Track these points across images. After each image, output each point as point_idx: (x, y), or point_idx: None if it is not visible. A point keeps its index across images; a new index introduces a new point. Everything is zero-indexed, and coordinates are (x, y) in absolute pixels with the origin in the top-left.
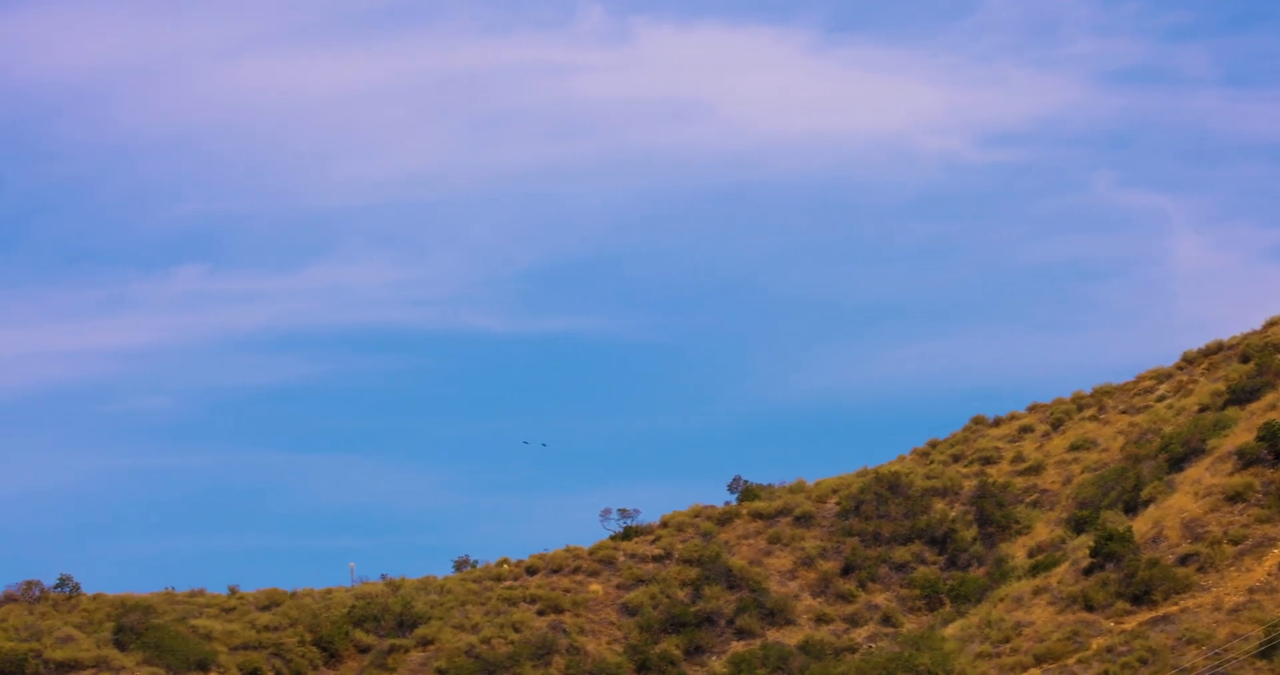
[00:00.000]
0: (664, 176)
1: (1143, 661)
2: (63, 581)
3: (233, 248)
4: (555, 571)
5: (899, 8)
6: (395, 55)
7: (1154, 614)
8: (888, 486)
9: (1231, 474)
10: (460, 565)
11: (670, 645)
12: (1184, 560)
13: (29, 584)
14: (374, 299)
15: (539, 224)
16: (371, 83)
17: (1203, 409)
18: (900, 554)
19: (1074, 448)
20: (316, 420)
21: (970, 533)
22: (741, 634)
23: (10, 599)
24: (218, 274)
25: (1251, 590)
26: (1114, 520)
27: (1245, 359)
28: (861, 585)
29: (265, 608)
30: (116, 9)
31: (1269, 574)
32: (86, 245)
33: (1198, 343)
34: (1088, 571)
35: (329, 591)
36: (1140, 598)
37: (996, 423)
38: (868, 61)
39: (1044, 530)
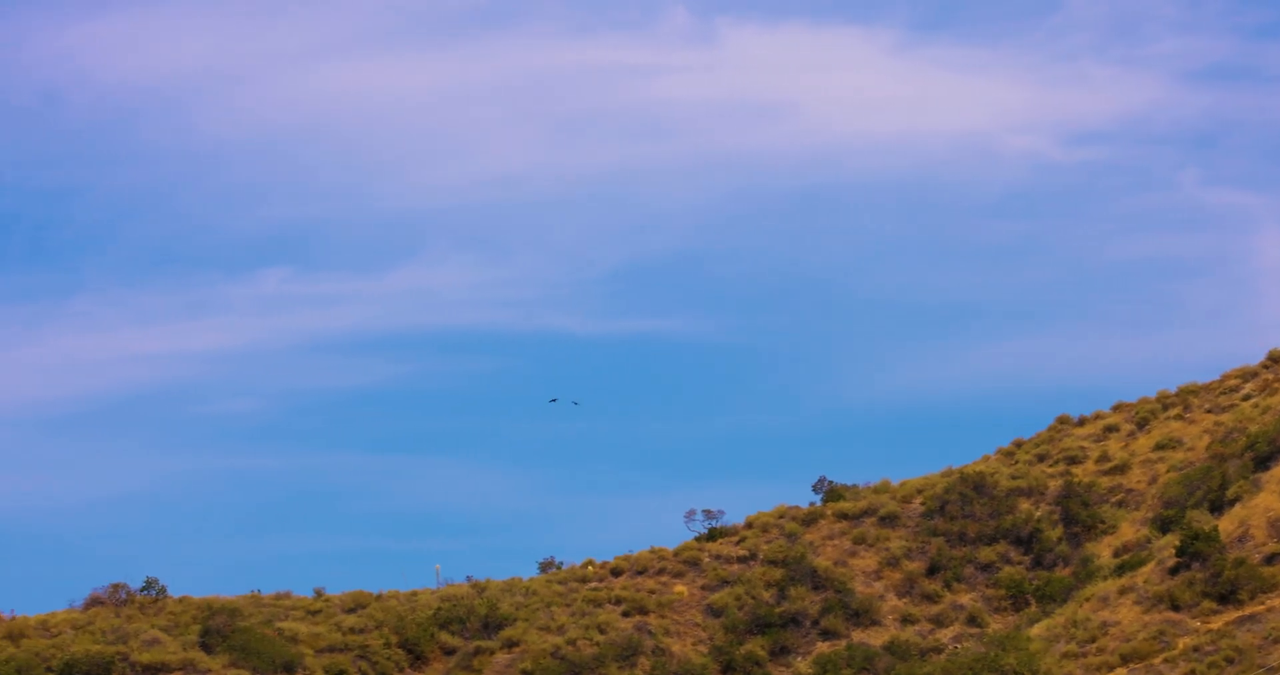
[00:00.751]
0: (748, 177)
1: (1229, 661)
2: (149, 584)
3: (318, 251)
4: (640, 573)
5: (983, 7)
6: (479, 58)
7: (1240, 613)
8: (973, 486)
9: None
10: (545, 567)
11: (755, 646)
12: (1270, 559)
13: (115, 587)
14: (459, 301)
15: (623, 225)
16: (456, 85)
17: None
18: (985, 554)
19: (1159, 447)
20: (402, 422)
21: (1055, 532)
22: (826, 635)
23: (97, 602)
24: (303, 277)
25: None
26: (1199, 519)
27: None
28: (947, 585)
29: (351, 610)
30: (201, 13)
31: None
32: (172, 249)
33: None
34: (1173, 571)
35: (414, 594)
36: (1226, 597)
37: (1081, 422)
38: (952, 61)
39: (1129, 530)
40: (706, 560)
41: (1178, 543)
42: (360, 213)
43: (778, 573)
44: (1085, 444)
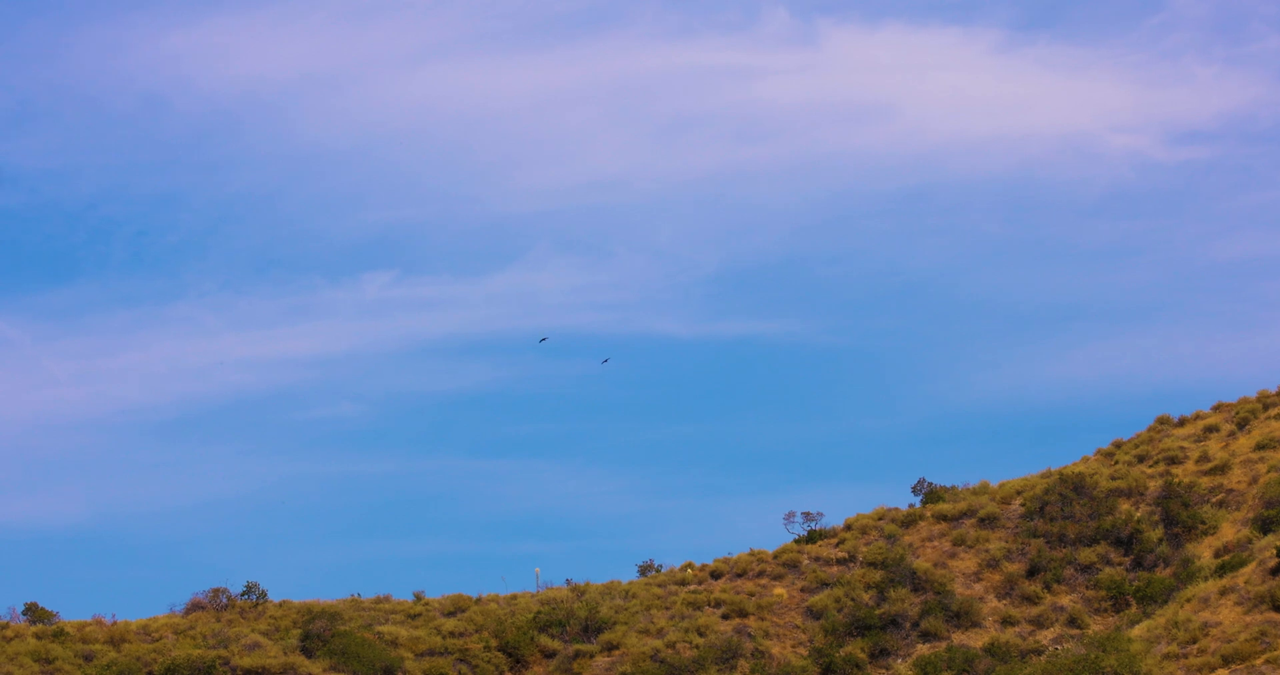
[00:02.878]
0: (849, 178)
1: None
2: (249, 589)
3: (420, 254)
4: (740, 575)
5: (1085, 6)
6: (580, 60)
7: None
8: (1072, 487)
9: None
10: (645, 569)
11: (855, 648)
12: None
13: (216, 591)
14: (560, 304)
15: (724, 227)
16: (557, 88)
17: None
18: (1085, 555)
19: (1260, 447)
20: (503, 425)
21: (1156, 533)
22: (926, 637)
23: (198, 606)
24: (405, 281)
25: None
26: None
27: None
28: (1047, 587)
29: (451, 613)
30: (301, 18)
31: None
32: (275, 254)
33: None
34: (1275, 571)
35: (514, 597)
36: None
37: (1181, 422)
38: (1053, 61)
39: (1230, 530)
40: (806, 562)
41: (1279, 543)
42: (462, 216)
43: (877, 575)
44: (1185, 444)
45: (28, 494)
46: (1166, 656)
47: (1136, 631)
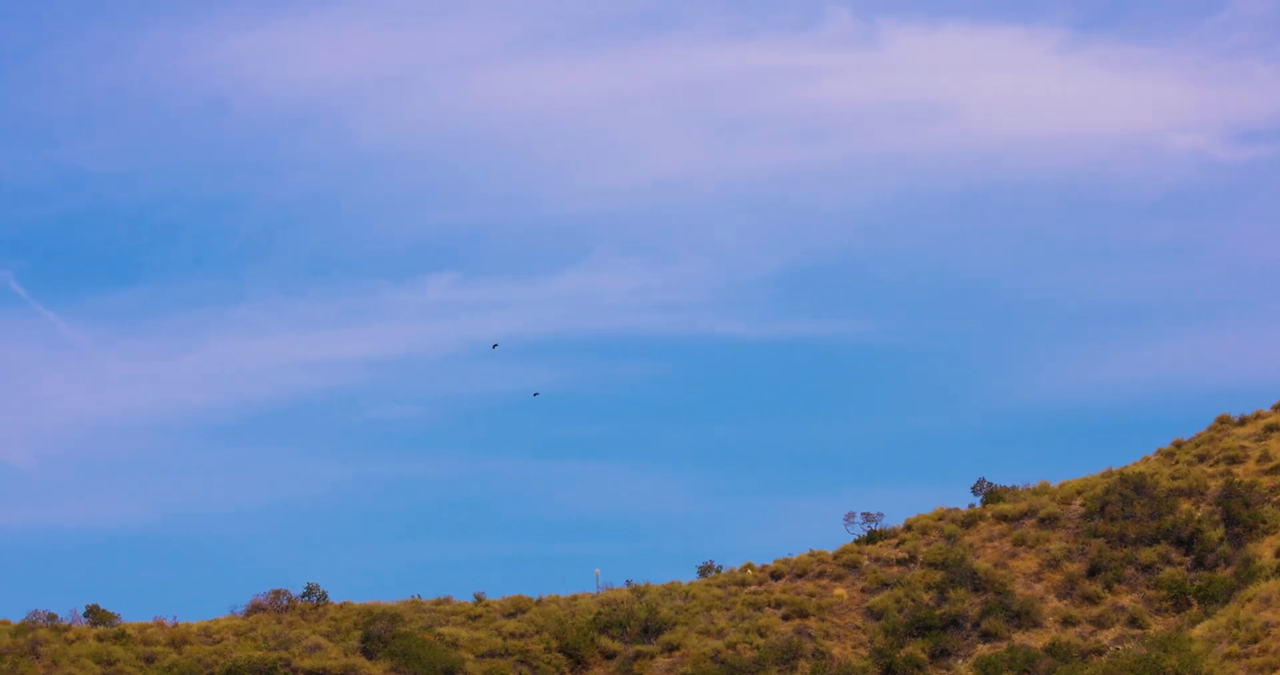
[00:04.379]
0: (910, 178)
1: None
2: (310, 590)
3: (481, 256)
4: (800, 576)
5: (1146, 6)
6: (640, 61)
7: None
8: (1133, 487)
9: None
10: (705, 570)
11: (915, 649)
12: None
13: (277, 593)
14: (621, 305)
15: (786, 228)
16: (617, 89)
17: None
18: (1146, 555)
19: None
20: (564, 427)
21: (1217, 533)
22: (987, 637)
23: (259, 608)
24: (467, 283)
25: None
26: None
27: None
28: (1107, 587)
29: (511, 615)
30: (361, 21)
31: None
32: (335, 256)
33: None
34: None
35: (574, 598)
36: None
37: (1242, 422)
38: (1114, 60)
39: None
40: (866, 563)
41: None
42: (523, 218)
43: (937, 575)
44: (1246, 443)
45: (89, 496)
46: (1228, 656)
47: (1197, 631)
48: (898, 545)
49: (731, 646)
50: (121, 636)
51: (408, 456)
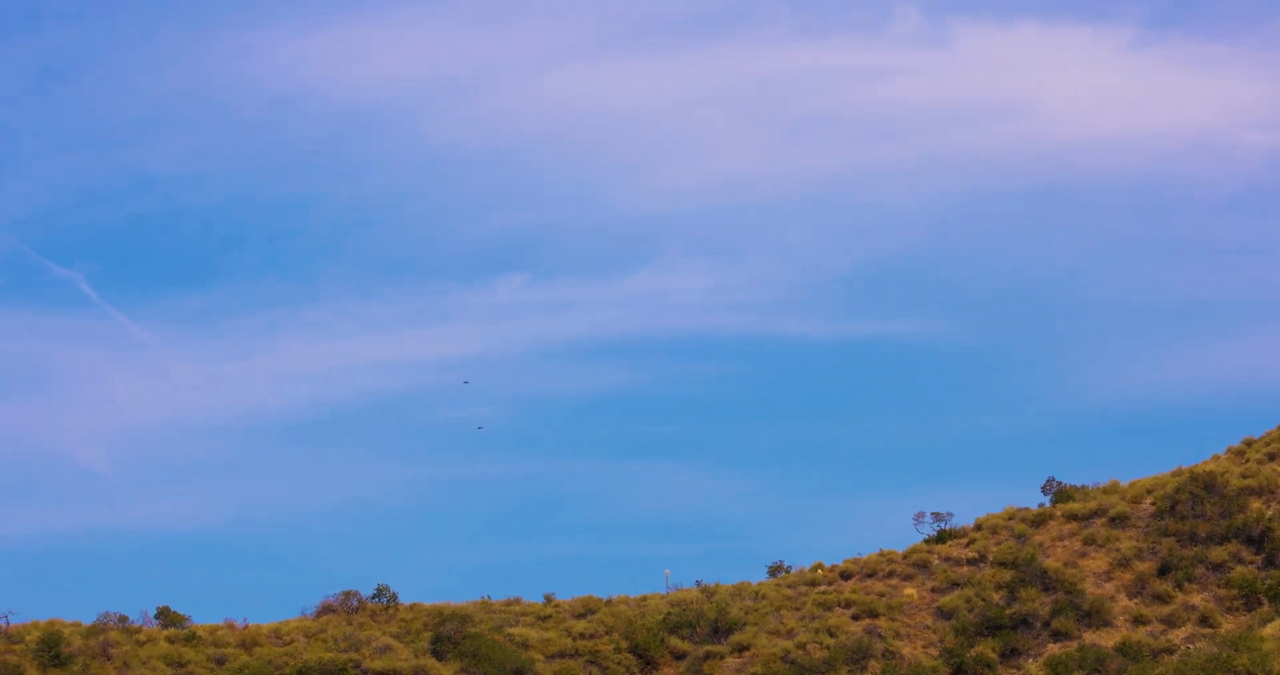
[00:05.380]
0: (981, 177)
1: None
2: (380, 592)
3: (551, 257)
4: (869, 576)
5: (1217, 4)
6: (710, 61)
7: None
8: (1203, 486)
9: None
10: (775, 570)
11: (986, 648)
12: None
13: (347, 594)
14: (692, 305)
15: (856, 227)
16: (686, 89)
17: None
18: (1217, 554)
19: None
20: (635, 427)
21: None
22: (1057, 636)
23: (329, 609)
24: (537, 283)
25: None
26: None
27: None
28: (1178, 586)
29: (581, 615)
30: (430, 23)
31: None
32: (406, 258)
33: None
34: None
35: (644, 598)
36: None
37: None
38: (1185, 58)
39: None
40: (936, 562)
41: None
42: (593, 218)
43: (1008, 574)
44: None
45: (160, 498)
46: None
47: (1269, 630)
48: (968, 545)
49: (801, 647)
50: (192, 638)
51: (478, 457)
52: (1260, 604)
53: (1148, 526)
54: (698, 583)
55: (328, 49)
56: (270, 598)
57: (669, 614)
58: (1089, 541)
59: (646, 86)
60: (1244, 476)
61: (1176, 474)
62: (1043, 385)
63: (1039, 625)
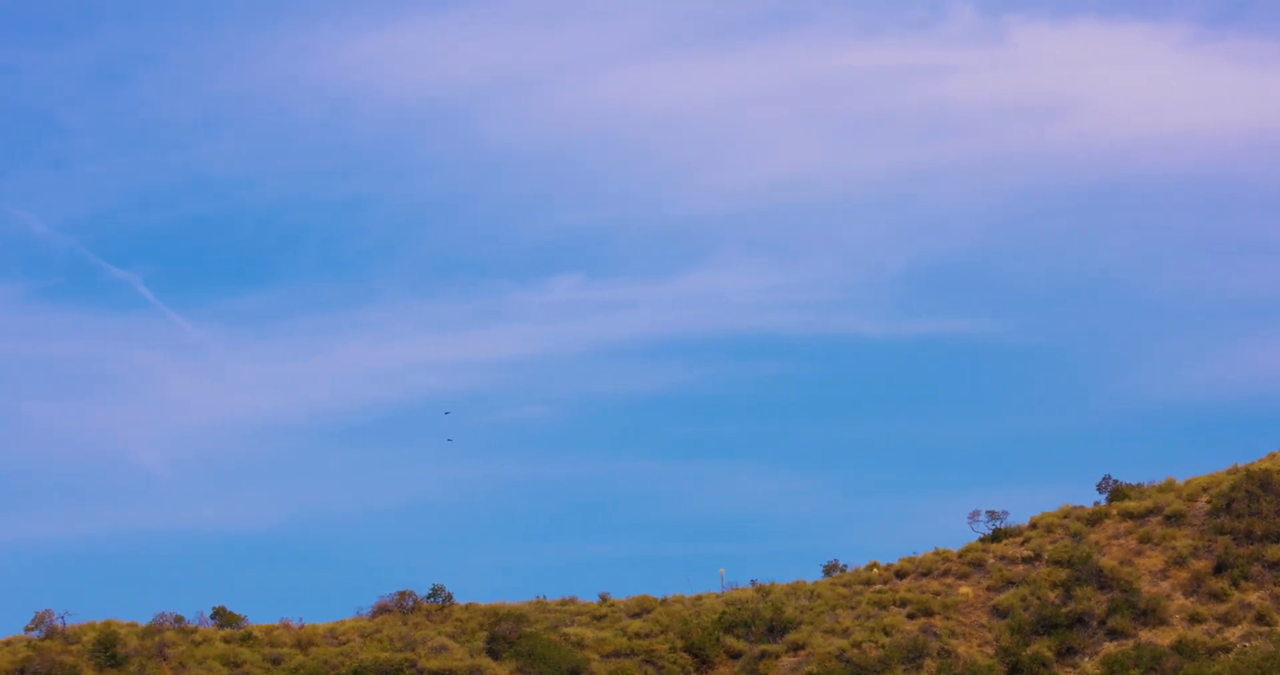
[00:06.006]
0: (1038, 175)
1: None
2: (435, 591)
3: (607, 257)
4: (925, 574)
5: (1274, 0)
6: (766, 60)
7: None
8: (1259, 484)
9: None
10: (829, 569)
11: (1041, 647)
12: None
13: (403, 594)
14: (748, 304)
15: (913, 226)
16: (742, 88)
17: None
18: (1273, 552)
19: None
20: (691, 427)
21: None
22: (1113, 635)
23: (384, 609)
24: (592, 283)
25: None
26: None
27: None
28: (1234, 584)
29: (636, 615)
30: (486, 23)
31: None
32: (462, 258)
33: None
34: None
35: (699, 598)
36: None
37: None
38: (1242, 54)
39: None
40: (991, 561)
41: None
42: (649, 217)
43: (1063, 573)
44: None
45: (217, 499)
46: None
47: None
48: (1023, 543)
49: (857, 645)
50: (248, 638)
51: (535, 457)
52: None
53: (1204, 525)
54: (753, 582)
55: (384, 49)
56: (326, 598)
57: (724, 613)
58: (1145, 540)
59: (703, 86)
60: None
61: (1232, 472)
62: (1098, 383)
63: (1095, 624)
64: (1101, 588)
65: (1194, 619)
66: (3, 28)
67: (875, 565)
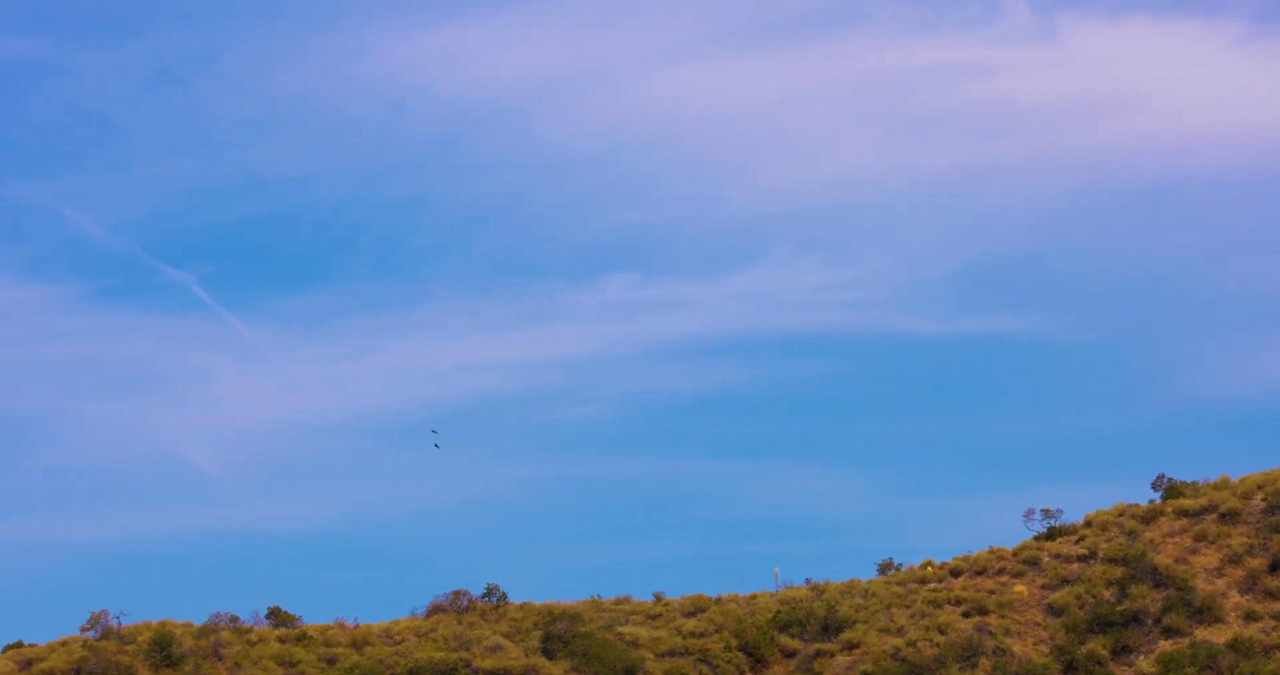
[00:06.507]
0: (1092, 173)
1: None
2: (490, 591)
3: (662, 255)
4: (979, 573)
5: None
6: (820, 59)
7: None
8: None
9: None
10: (884, 568)
11: (1097, 645)
12: None
13: (457, 594)
14: (803, 303)
15: (968, 224)
16: (796, 87)
17: None
18: None
19: None
20: (745, 426)
21: None
22: (1169, 633)
23: (439, 609)
24: (647, 282)
25: None
26: None
27: None
28: None
29: (690, 614)
30: (540, 22)
31: None
32: (517, 257)
33: None
34: None
35: (754, 597)
36: None
37: None
38: None
39: None
40: (1046, 559)
41: None
42: (704, 216)
43: (1118, 571)
44: None
45: (271, 499)
46: None
47: None
48: (1078, 541)
49: (912, 644)
50: (303, 638)
51: (590, 456)
52: None
53: (1259, 522)
54: (807, 581)
55: (440, 49)
56: (381, 597)
57: (779, 612)
58: (1200, 538)
59: (757, 84)
60: None
61: None
62: (1153, 381)
63: (1150, 622)
64: (1157, 586)
65: (1250, 617)
66: (59, 29)
67: (930, 564)
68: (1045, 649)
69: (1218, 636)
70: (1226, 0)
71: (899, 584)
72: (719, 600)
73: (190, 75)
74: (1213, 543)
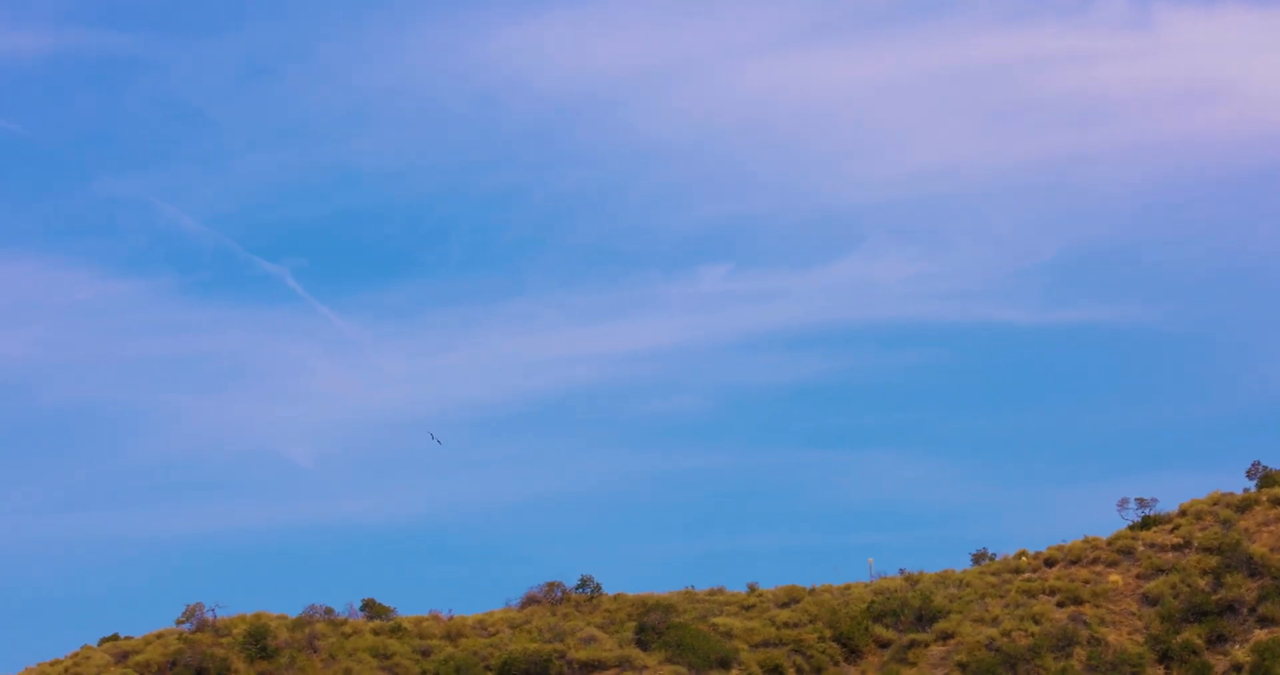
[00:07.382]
0: (1188, 161)
1: None
2: (584, 582)
3: (755, 247)
4: (1074, 562)
5: None
6: (915, 49)
7: None
8: None
9: None
10: (978, 558)
11: (1192, 635)
12: None
13: (551, 585)
14: (897, 294)
15: (1063, 214)
16: (891, 77)
17: None
18: None
19: None
20: (838, 416)
21: None
22: (1264, 622)
23: (533, 600)
24: (741, 273)
25: None
26: None
27: None
28: None
29: (784, 604)
30: (633, 14)
31: None
32: (611, 249)
33: None
34: None
35: (847, 587)
36: None
37: None
38: None
39: None
40: (1141, 549)
41: None
42: (797, 207)
43: (1213, 560)
44: None
45: (365, 491)
46: None
47: None
48: (1172, 531)
49: (1006, 634)
50: (397, 630)
51: (684, 448)
52: None
53: None
54: (901, 571)
55: (532, 41)
56: (475, 589)
57: (873, 602)
58: None
59: (850, 74)
60: None
61: None
62: (1248, 370)
63: (1245, 611)
64: (1252, 575)
65: None
66: (152, 23)
67: (1024, 553)
68: (1140, 638)
69: None
70: None
71: (993, 574)
72: (813, 591)
73: (283, 68)
74: None
